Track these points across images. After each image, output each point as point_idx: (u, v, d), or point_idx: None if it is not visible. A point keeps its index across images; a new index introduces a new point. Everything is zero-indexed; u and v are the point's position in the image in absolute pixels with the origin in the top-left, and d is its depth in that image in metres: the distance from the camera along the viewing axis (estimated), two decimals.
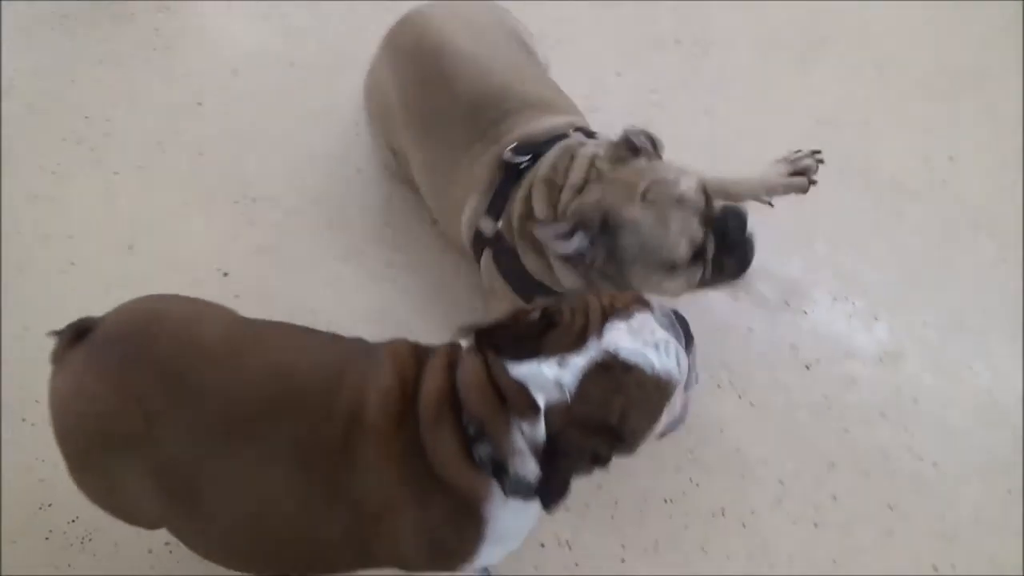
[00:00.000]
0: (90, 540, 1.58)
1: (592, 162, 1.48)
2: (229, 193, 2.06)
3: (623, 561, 1.59)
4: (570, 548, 1.60)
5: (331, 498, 1.07)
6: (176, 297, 1.23)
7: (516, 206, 1.54)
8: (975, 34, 2.46)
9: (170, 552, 1.55)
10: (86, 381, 1.09)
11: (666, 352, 1.04)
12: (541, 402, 1.01)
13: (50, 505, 1.61)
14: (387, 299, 1.91)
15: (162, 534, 1.27)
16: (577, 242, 1.39)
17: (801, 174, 1.74)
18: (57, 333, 1.14)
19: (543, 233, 1.42)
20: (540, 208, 1.50)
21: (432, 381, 1.09)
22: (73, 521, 1.59)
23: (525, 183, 1.54)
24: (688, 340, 1.12)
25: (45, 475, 1.62)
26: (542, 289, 1.56)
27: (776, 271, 1.95)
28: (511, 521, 1.12)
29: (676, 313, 1.15)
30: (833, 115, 2.29)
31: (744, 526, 1.63)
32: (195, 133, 2.16)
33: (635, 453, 1.08)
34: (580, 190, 1.46)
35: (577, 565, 1.58)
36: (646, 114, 2.25)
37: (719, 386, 1.79)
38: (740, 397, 1.78)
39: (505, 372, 1.03)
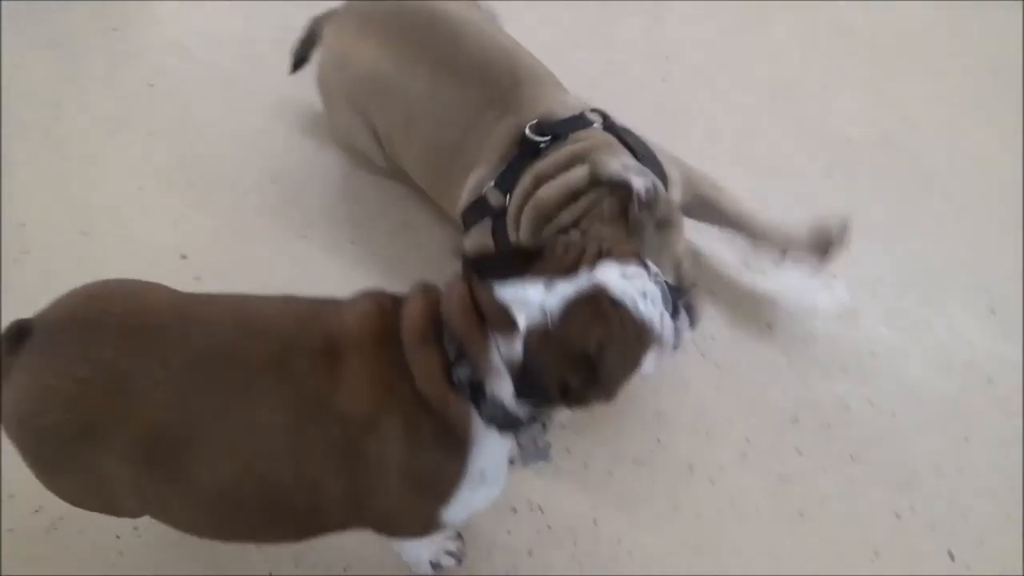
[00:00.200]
0: (55, 529, 1.55)
1: (595, 203, 1.45)
2: (185, 174, 2.03)
3: (595, 522, 1.61)
4: (542, 511, 1.61)
5: (317, 425, 1.05)
6: (113, 280, 1.18)
7: (521, 188, 1.54)
8: None
9: (138, 536, 1.53)
10: (47, 380, 1.04)
11: (652, 305, 1.06)
12: (522, 323, 1.01)
13: (11, 496, 1.58)
14: (349, 276, 1.89)
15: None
16: None
17: (823, 247, 1.75)
18: None
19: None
20: (525, 232, 1.51)
21: (415, 307, 1.10)
22: (36, 511, 1.56)
23: (532, 170, 1.53)
24: (678, 311, 1.15)
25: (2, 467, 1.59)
26: None
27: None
28: (491, 457, 1.12)
29: (675, 287, 1.18)
30: (790, 80, 2.33)
31: (712, 482, 1.66)
32: (147, 115, 2.12)
33: (608, 401, 1.09)
34: (566, 230, 1.46)
35: (550, 528, 1.60)
36: (604, 82, 2.26)
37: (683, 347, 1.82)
38: (704, 357, 1.81)
39: (489, 293, 1.04)
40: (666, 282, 1.16)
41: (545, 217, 1.49)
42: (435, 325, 1.07)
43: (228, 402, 1.05)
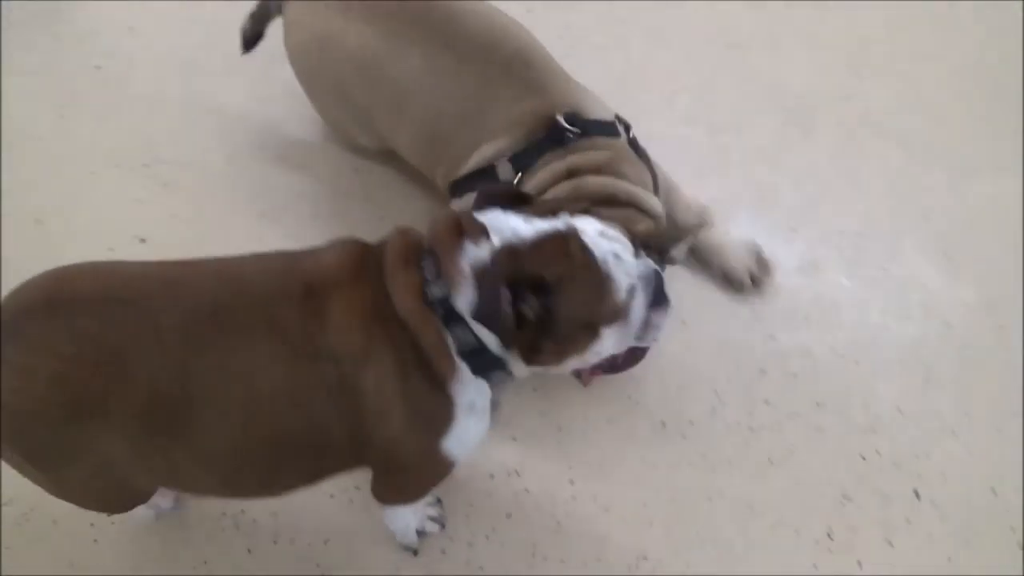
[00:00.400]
0: (27, 520, 1.53)
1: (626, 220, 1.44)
2: (138, 157, 1.99)
3: (572, 482, 1.63)
4: (519, 475, 1.63)
5: (312, 367, 1.05)
6: (74, 264, 1.13)
7: (550, 171, 1.54)
8: None
9: (112, 523, 1.52)
10: (25, 361, 1.00)
11: (624, 273, 1.08)
12: (496, 240, 1.06)
13: None
14: None
15: None
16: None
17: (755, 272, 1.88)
18: None
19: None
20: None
21: (397, 240, 1.12)
22: (8, 504, 1.54)
23: (566, 161, 1.53)
24: (661, 299, 1.18)
25: None
26: None
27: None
28: (477, 390, 1.14)
29: (656, 272, 1.18)
30: (743, 39, 2.35)
31: (684, 437, 1.69)
32: (96, 98, 2.07)
33: (558, 359, 1.11)
34: None
35: (528, 491, 1.61)
36: (558, 49, 2.25)
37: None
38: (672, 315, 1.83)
39: (471, 216, 1.10)
40: (658, 272, 1.18)
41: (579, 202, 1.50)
42: (416, 253, 1.10)
43: (224, 359, 1.04)
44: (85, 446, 1.06)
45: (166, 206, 1.92)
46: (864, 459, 1.69)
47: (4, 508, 1.53)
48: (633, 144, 1.64)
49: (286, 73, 1.86)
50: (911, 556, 1.58)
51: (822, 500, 1.63)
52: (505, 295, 1.01)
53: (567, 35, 2.30)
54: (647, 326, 1.18)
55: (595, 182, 1.52)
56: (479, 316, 1.03)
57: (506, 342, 1.07)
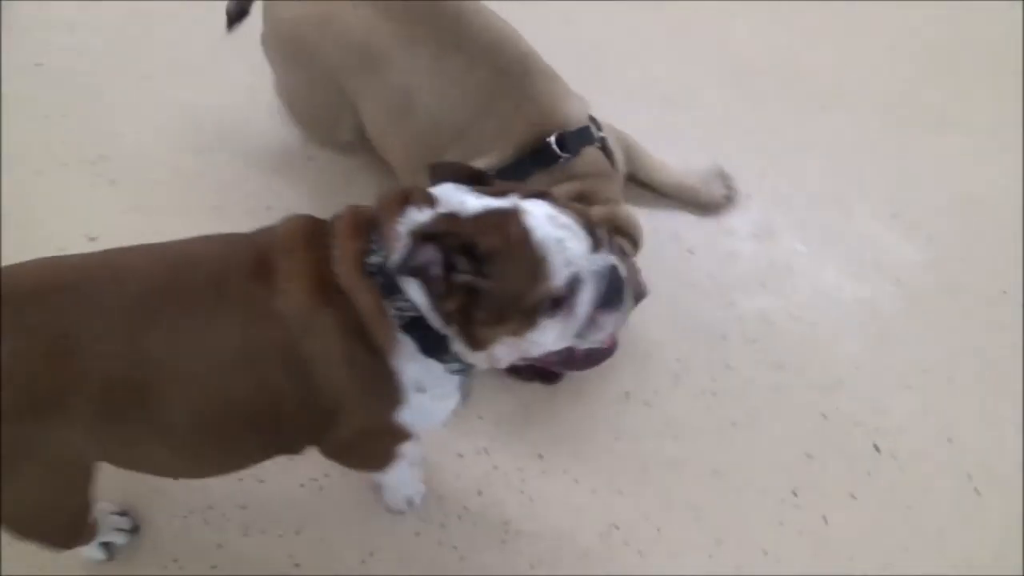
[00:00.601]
0: None
1: None
2: (84, 154, 1.95)
3: (541, 457, 1.64)
4: (488, 453, 1.64)
5: (263, 334, 1.05)
6: (17, 263, 1.09)
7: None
8: None
9: None
10: None
11: (567, 262, 1.04)
12: (440, 207, 1.05)
13: None
14: None
15: None
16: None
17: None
18: None
19: None
20: None
21: (348, 212, 1.12)
22: None
23: (566, 186, 1.54)
24: (614, 300, 1.12)
25: None
26: None
27: None
28: (424, 368, 1.13)
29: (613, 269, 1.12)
30: (691, 10, 2.37)
31: (649, 405, 1.71)
32: (37, 96, 2.02)
33: (484, 341, 1.08)
34: None
35: (496, 468, 1.62)
36: None
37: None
38: None
39: (422, 188, 1.09)
40: (615, 270, 1.13)
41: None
42: (367, 224, 1.09)
43: (176, 336, 1.04)
44: (38, 445, 1.04)
45: (115, 203, 1.88)
46: (825, 417, 1.73)
47: None
48: (603, 145, 1.64)
49: (232, 66, 1.84)
50: (873, 508, 1.62)
51: (786, 459, 1.67)
52: (432, 251, 1.00)
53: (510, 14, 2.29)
54: (592, 325, 1.12)
55: (599, 211, 1.53)
56: (400, 267, 1.00)
57: (436, 304, 1.05)
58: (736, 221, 1.98)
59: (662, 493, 1.61)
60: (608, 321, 1.14)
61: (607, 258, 1.11)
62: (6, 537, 1.44)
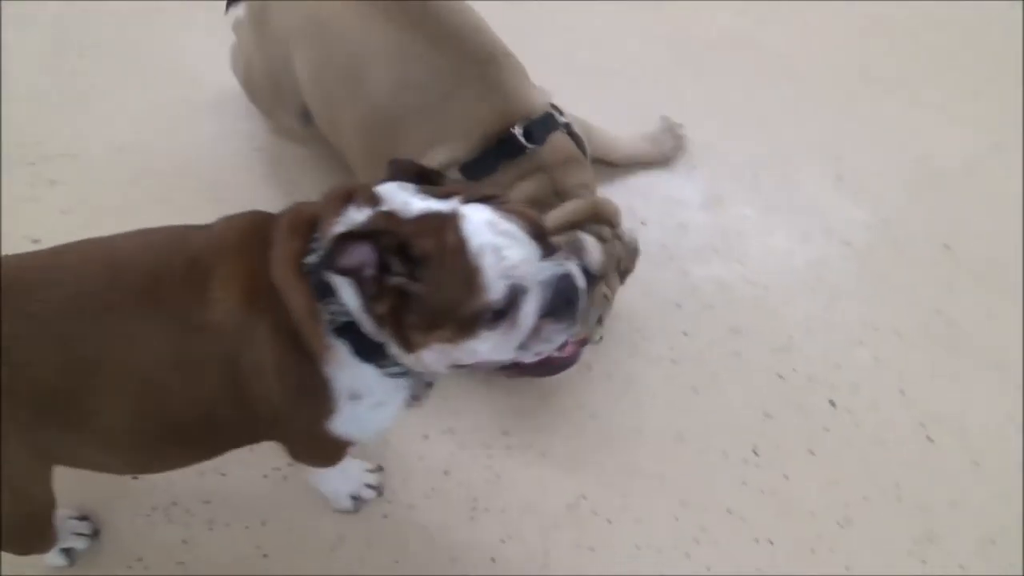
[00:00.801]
0: None
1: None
2: (21, 155, 1.90)
3: (506, 433, 1.65)
4: (453, 433, 1.64)
5: (194, 341, 1.03)
6: None
7: (524, 186, 1.51)
8: None
9: None
10: None
11: (501, 264, 0.99)
12: (383, 207, 1.02)
13: None
14: None
15: None
16: None
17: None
18: None
19: None
20: None
21: (294, 210, 1.08)
22: None
23: (534, 182, 1.52)
24: (562, 311, 1.07)
25: None
26: None
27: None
28: (360, 376, 1.10)
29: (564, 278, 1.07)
30: None
31: (609, 377, 1.73)
32: None
33: (418, 343, 1.03)
34: None
35: (463, 447, 1.62)
36: None
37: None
38: None
39: (368, 186, 1.05)
40: (567, 279, 1.07)
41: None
42: (310, 223, 1.05)
43: (109, 341, 1.01)
44: None
45: (56, 203, 1.84)
46: (781, 377, 1.76)
47: None
48: (568, 129, 1.62)
49: (175, 58, 1.80)
50: (832, 462, 1.66)
51: (746, 420, 1.70)
52: (366, 250, 0.96)
53: None
54: (536, 336, 1.06)
55: (579, 205, 1.53)
56: (328, 265, 0.96)
57: (367, 306, 1.01)
58: (686, 192, 2.01)
59: (627, 461, 1.63)
60: (555, 332, 1.08)
61: (558, 266, 1.05)
62: None
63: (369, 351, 1.06)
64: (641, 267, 1.87)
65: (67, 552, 1.41)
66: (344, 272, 0.97)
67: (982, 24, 2.51)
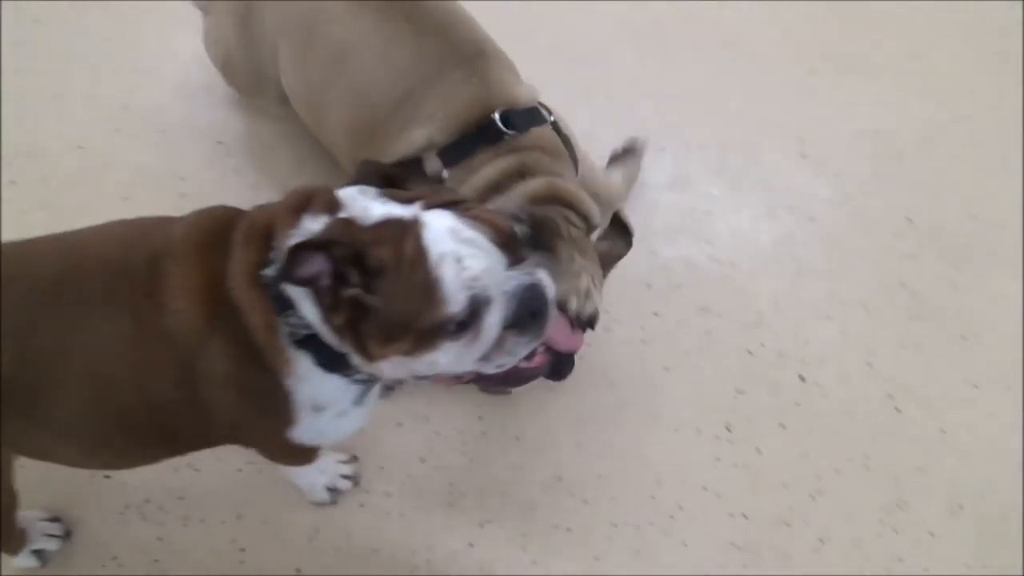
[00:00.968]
0: None
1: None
2: None
3: (480, 418, 1.65)
4: (428, 420, 1.64)
5: (149, 344, 1.00)
6: None
7: (482, 178, 1.48)
8: None
9: None
10: None
11: (462, 275, 0.96)
12: (342, 213, 0.98)
13: None
14: None
15: None
16: None
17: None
18: None
19: None
20: None
21: (258, 212, 1.04)
22: None
23: (497, 164, 1.48)
24: (527, 323, 1.04)
25: None
26: None
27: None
28: (319, 386, 1.07)
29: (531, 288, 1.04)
30: None
31: (581, 358, 1.71)
32: None
33: (378, 353, 1.00)
34: None
35: (438, 434, 1.63)
36: None
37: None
38: None
39: (328, 190, 1.01)
40: (534, 289, 1.03)
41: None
42: (265, 232, 1.01)
43: (66, 334, 1.00)
44: None
45: (18, 204, 1.80)
46: (751, 354, 1.79)
47: None
48: (556, 127, 1.61)
49: (124, 52, 1.77)
50: (802, 435, 1.69)
51: (718, 397, 1.72)
52: (320, 260, 0.92)
53: None
54: (499, 348, 1.04)
55: (538, 183, 1.49)
56: (283, 277, 0.92)
57: (325, 317, 0.98)
58: (653, 173, 2.02)
59: (602, 441, 1.64)
60: (519, 345, 1.05)
61: (525, 276, 1.02)
62: None
63: (333, 362, 1.03)
64: None
65: (38, 553, 1.39)
66: (300, 283, 0.94)
67: None
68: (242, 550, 1.47)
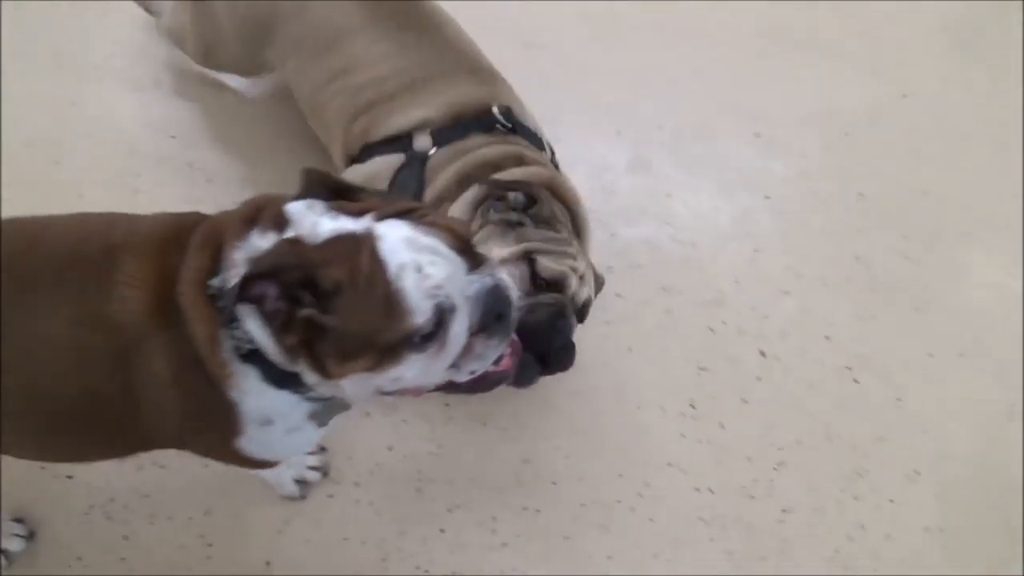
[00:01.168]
0: None
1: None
2: None
3: (447, 405, 1.66)
4: (395, 409, 1.64)
5: (92, 337, 0.98)
6: None
7: (487, 151, 1.50)
8: None
9: None
10: None
11: (424, 284, 0.93)
12: (289, 231, 0.95)
13: None
14: None
15: None
16: None
17: None
18: None
19: None
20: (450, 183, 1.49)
21: (217, 219, 1.02)
22: None
23: (508, 147, 1.51)
24: (494, 326, 1.02)
25: None
26: None
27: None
28: (270, 402, 1.04)
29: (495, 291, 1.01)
30: None
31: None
32: None
33: (338, 371, 0.97)
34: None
35: (406, 421, 1.63)
36: None
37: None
38: None
39: (278, 204, 0.99)
40: (498, 291, 1.01)
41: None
42: (219, 241, 0.98)
43: (15, 316, 0.97)
44: None
45: None
46: (713, 331, 1.81)
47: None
48: (552, 158, 1.63)
49: (74, 47, 1.73)
50: (764, 408, 1.72)
51: (681, 375, 1.75)
52: (267, 284, 0.90)
53: None
54: (469, 355, 1.02)
55: (539, 170, 1.51)
56: (232, 300, 0.90)
57: (276, 338, 0.95)
58: (612, 156, 2.04)
59: (567, 424, 1.66)
60: (488, 349, 1.03)
61: (486, 278, 1.00)
62: None
63: (281, 378, 1.00)
64: None
65: (3, 554, 1.37)
66: (244, 302, 0.93)
67: None
68: (210, 545, 1.46)
